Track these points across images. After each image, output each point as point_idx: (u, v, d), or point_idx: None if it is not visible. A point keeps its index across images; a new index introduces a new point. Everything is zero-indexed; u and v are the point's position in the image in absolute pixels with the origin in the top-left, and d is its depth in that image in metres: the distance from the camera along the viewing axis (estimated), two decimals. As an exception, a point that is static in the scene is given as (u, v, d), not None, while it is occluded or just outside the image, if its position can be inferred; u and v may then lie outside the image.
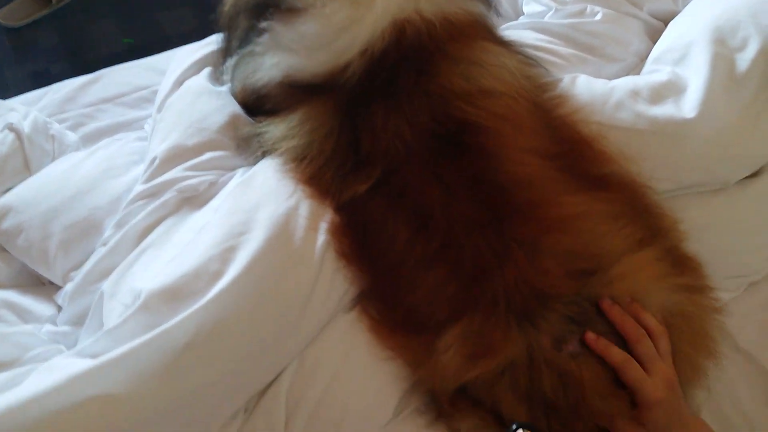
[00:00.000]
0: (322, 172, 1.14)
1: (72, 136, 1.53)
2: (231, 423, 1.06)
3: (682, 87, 1.28)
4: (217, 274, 1.02)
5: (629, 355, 1.03)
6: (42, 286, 1.35)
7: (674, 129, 1.24)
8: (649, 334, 1.05)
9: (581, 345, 1.03)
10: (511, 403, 1.03)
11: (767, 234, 1.34)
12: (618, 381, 1.03)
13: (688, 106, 1.25)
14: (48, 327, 1.22)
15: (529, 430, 0.90)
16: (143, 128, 1.57)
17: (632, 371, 1.01)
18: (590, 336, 1.01)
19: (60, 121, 1.59)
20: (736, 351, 1.30)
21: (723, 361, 1.26)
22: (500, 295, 1.03)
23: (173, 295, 1.01)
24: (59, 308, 1.28)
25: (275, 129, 1.20)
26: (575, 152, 1.18)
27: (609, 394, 1.02)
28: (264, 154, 1.22)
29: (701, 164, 1.26)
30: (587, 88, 1.30)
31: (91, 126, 1.60)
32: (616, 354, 1.02)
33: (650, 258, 1.09)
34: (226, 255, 1.05)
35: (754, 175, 1.34)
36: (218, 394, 1.00)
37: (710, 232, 1.29)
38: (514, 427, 0.90)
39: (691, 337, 1.11)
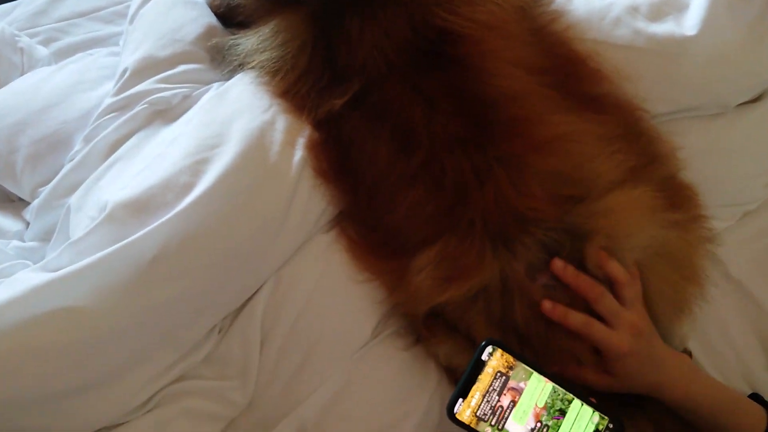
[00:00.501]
0: (298, 87, 1.07)
1: (43, 51, 1.46)
2: (204, 343, 1.03)
3: (684, 3, 1.20)
4: (188, 187, 0.97)
5: (588, 317, 0.98)
6: (11, 202, 1.31)
7: (674, 47, 1.16)
8: (616, 283, 0.99)
9: (556, 279, 0.99)
10: (484, 330, 1.00)
11: (765, 161, 1.29)
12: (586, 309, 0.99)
13: (689, 23, 1.17)
14: (15, 242, 1.18)
15: (499, 347, 0.87)
16: (118, 44, 1.49)
17: (595, 332, 0.97)
18: (546, 305, 0.96)
19: (31, 36, 1.51)
20: (727, 280, 1.26)
21: (713, 290, 1.25)
22: (478, 216, 0.98)
23: (140, 207, 0.96)
24: (27, 224, 1.23)
25: (247, 42, 1.13)
26: (567, 69, 1.11)
27: (575, 336, 0.98)
28: (239, 68, 1.16)
29: (701, 85, 1.19)
30: (584, 3, 1.22)
31: (64, 41, 1.52)
32: (574, 319, 0.96)
33: (642, 193, 1.03)
34: (197, 167, 1.00)
35: (754, 100, 1.28)
36: (187, 311, 0.97)
37: (707, 158, 1.24)
38: (484, 344, 0.86)
39: (680, 268, 1.07)
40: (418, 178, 1.01)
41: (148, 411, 1.00)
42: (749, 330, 1.24)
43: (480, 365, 0.86)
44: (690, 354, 1.20)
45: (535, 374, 0.86)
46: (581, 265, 0.99)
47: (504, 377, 0.86)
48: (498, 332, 0.99)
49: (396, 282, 1.03)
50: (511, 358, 0.86)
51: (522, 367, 0.86)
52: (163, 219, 0.93)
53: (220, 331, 1.05)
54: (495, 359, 0.86)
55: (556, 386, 0.86)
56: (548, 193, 0.99)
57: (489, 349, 0.87)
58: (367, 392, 1.02)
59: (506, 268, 0.97)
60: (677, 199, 1.09)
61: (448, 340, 1.03)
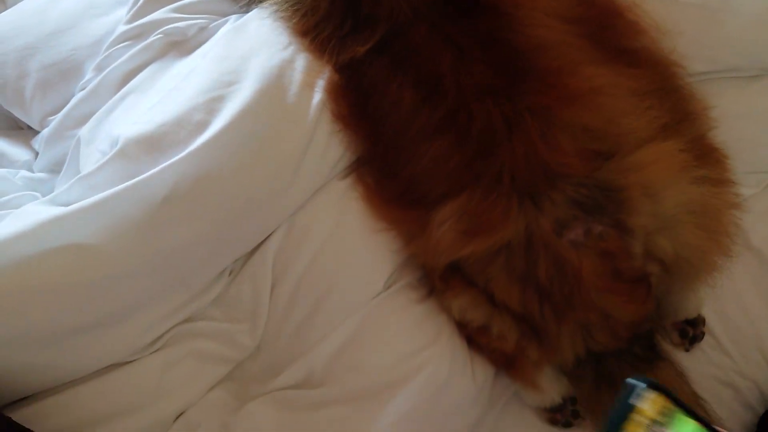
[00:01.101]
0: (318, 30, 1.03)
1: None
2: (215, 284, 1.02)
3: (733, -44, 1.14)
4: (202, 125, 0.93)
5: None
6: (19, 130, 1.27)
7: (718, 3, 1.11)
8: None
9: (585, 234, 0.96)
10: (504, 285, 0.98)
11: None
12: (617, 276, 0.97)
13: (737, -22, 1.11)
14: (23, 173, 1.15)
15: (656, 389, 0.66)
16: (131, -33, 1.42)
17: None
18: None
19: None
20: (747, 248, 1.23)
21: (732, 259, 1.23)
22: (506, 169, 0.94)
23: (153, 143, 0.93)
24: (36, 154, 1.20)
25: (267, -25, 1.07)
26: (604, 20, 1.05)
27: (606, 290, 0.96)
28: (257, 2, 1.10)
29: (743, 45, 1.14)
30: (625, -49, 1.15)
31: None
32: None
33: (672, 149, 0.99)
34: (212, 105, 0.96)
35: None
36: (200, 253, 0.95)
37: (739, 121, 1.19)
38: (635, 383, 0.66)
39: (708, 233, 1.03)
40: (443, 128, 0.97)
41: (156, 350, 0.99)
42: (766, 299, 1.22)
43: (627, 409, 0.66)
44: (703, 321, 1.19)
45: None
46: (619, 222, 0.96)
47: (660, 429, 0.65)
48: (518, 287, 0.97)
49: (415, 232, 1.01)
50: (669, 404, 0.66)
51: (683, 418, 0.66)
52: (176, 158, 0.90)
53: (230, 273, 1.03)
54: (648, 403, 0.66)
55: None
56: (578, 148, 0.95)
57: (642, 390, 0.66)
58: (377, 344, 1.01)
59: (532, 224, 0.94)
60: (707, 159, 1.05)
61: (463, 294, 1.01)
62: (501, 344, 1.02)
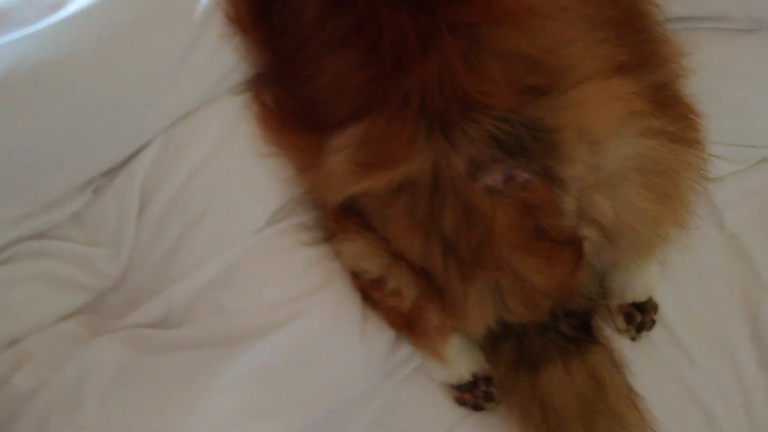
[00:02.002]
0: None
1: None
2: (71, 199, 0.89)
3: None
4: (56, 5, 0.80)
5: None
6: None
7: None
8: None
9: (505, 181, 0.81)
10: (404, 231, 0.84)
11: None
12: (539, 235, 0.82)
13: None
14: None
15: None
16: None
17: None
18: None
19: None
20: (720, 231, 1.08)
21: (699, 239, 1.06)
22: (414, 91, 0.80)
23: (-6, 17, 0.80)
24: None
25: None
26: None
27: (521, 248, 0.81)
28: None
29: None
30: None
31: None
32: None
33: (622, 89, 0.84)
34: (71, -18, 0.82)
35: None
36: (40, 156, 0.82)
37: (723, 81, 1.04)
38: None
39: (659, 196, 0.87)
40: (350, 40, 0.84)
41: (-5, 264, 0.87)
42: (735, 291, 1.06)
43: None
44: (655, 308, 1.03)
45: None
46: (548, 170, 0.81)
47: None
48: (420, 236, 0.84)
49: (309, 162, 0.86)
50: None
51: None
52: (15, 36, 0.76)
53: (96, 190, 0.90)
54: None
55: None
56: (507, 78, 0.81)
57: None
58: (249, 285, 0.87)
59: (441, 161, 0.80)
60: (669, 111, 0.89)
61: (358, 239, 0.87)
62: (396, 301, 0.87)
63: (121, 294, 0.91)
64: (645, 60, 0.89)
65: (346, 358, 0.87)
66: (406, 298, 0.87)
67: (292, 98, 0.88)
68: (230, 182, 0.89)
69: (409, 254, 0.85)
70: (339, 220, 0.88)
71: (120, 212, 0.88)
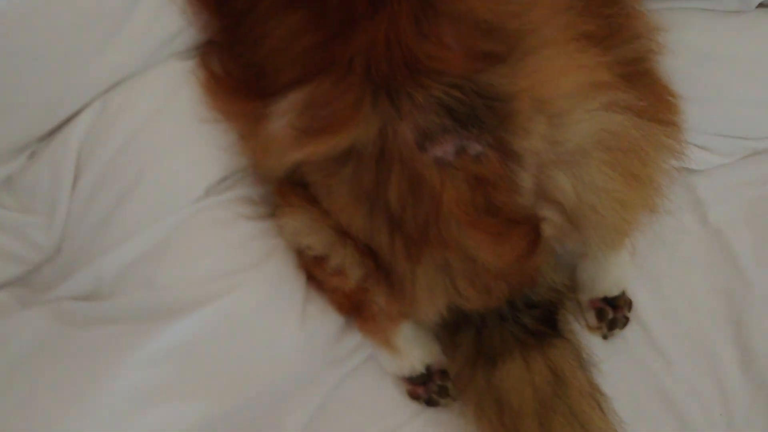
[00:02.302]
0: None
1: None
2: (6, 162, 0.84)
3: None
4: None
5: None
6: None
7: None
8: None
9: (457, 153, 0.75)
10: (348, 204, 0.78)
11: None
12: (489, 211, 0.76)
13: None
14: None
15: None
16: None
17: None
18: None
19: None
20: (702, 225, 1.02)
21: (680, 235, 0.99)
22: (360, 54, 0.74)
23: None
24: None
25: None
26: None
27: (469, 223, 0.75)
28: None
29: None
30: None
31: None
32: None
33: (586, 57, 0.78)
34: None
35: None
36: None
37: (708, 64, 0.98)
38: None
39: (626, 177, 0.81)
40: (298, 1, 0.78)
41: None
42: (717, 290, 0.99)
43: None
44: (629, 304, 0.96)
45: None
46: (503, 142, 0.75)
47: None
48: (364, 208, 0.78)
49: (250, 128, 0.81)
50: None
51: None
52: None
53: (32, 156, 0.86)
54: None
55: None
56: (461, 43, 0.75)
57: None
58: (183, 257, 0.81)
59: (388, 129, 0.74)
60: (641, 88, 0.82)
61: (301, 213, 0.81)
62: (339, 281, 0.81)
63: (56, 266, 0.86)
64: (613, 32, 0.83)
65: (283, 340, 0.81)
66: (349, 278, 0.81)
67: (239, 64, 0.84)
68: (168, 149, 0.83)
69: (354, 229, 0.79)
70: (283, 192, 0.83)
71: (54, 179, 0.83)
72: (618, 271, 0.93)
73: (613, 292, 0.94)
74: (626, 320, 0.96)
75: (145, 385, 0.72)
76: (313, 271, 0.83)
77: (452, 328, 0.92)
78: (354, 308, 0.85)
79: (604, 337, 0.96)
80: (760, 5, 1.00)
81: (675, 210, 1.02)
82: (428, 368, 0.90)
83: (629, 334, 0.97)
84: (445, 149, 0.75)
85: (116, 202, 0.82)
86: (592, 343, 0.95)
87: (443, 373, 0.91)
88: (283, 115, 0.78)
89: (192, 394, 0.73)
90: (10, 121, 0.82)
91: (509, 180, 0.77)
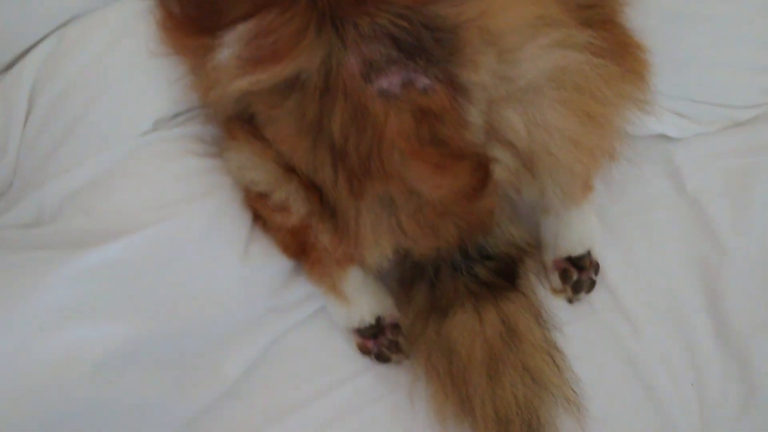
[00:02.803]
0: None
1: None
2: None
3: None
4: None
5: None
6: None
7: None
8: None
9: (404, 86, 0.73)
10: (291, 136, 0.77)
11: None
12: (433, 144, 0.74)
13: None
14: None
15: None
16: None
17: None
18: None
19: None
20: (679, 192, 0.98)
21: (655, 200, 0.96)
22: None
23: None
24: None
25: None
26: None
27: (411, 153, 0.73)
28: None
29: None
30: None
31: None
32: None
33: None
34: None
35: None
36: None
37: (683, 23, 0.95)
38: None
39: (580, 116, 0.77)
40: None
41: None
42: (692, 259, 0.95)
43: None
44: (596, 267, 0.92)
45: None
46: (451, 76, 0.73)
47: None
48: (308, 139, 0.76)
49: (198, 61, 0.81)
50: None
51: None
52: None
53: (-14, 95, 0.86)
54: None
55: None
56: None
57: None
58: (124, 187, 0.80)
59: (332, 59, 0.73)
60: (602, 33, 0.79)
61: (246, 147, 0.80)
62: (283, 218, 0.79)
63: (8, 200, 0.86)
64: None
65: (219, 272, 0.78)
66: (293, 214, 0.78)
67: (194, 3, 0.84)
68: (118, 81, 0.83)
69: (298, 163, 0.77)
70: (229, 128, 0.81)
71: (7, 112, 0.83)
72: (581, 228, 0.89)
73: (578, 250, 0.90)
74: (592, 283, 0.92)
75: (66, 303, 0.69)
76: (258, 207, 0.82)
77: (407, 283, 0.89)
78: (300, 250, 0.83)
79: (570, 301, 0.92)
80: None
81: (650, 177, 1.01)
82: (379, 320, 0.87)
83: (596, 298, 0.92)
84: (391, 81, 0.73)
85: (63, 134, 0.82)
86: (555, 306, 0.91)
87: (395, 328, 0.88)
88: (229, 46, 0.77)
89: (114, 314, 0.70)
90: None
91: (456, 114, 0.74)
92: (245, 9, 0.78)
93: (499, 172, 0.79)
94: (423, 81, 0.74)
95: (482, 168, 0.77)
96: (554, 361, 0.82)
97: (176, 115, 0.86)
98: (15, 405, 0.66)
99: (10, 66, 0.86)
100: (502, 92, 0.75)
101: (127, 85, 0.83)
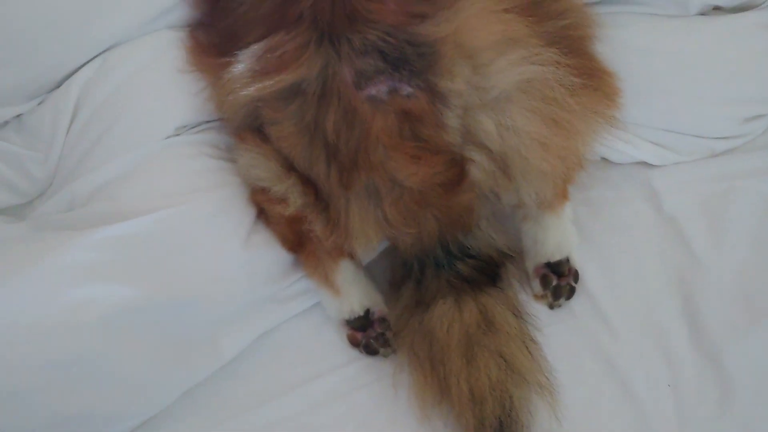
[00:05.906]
0: None
1: None
2: (10, 104, 0.99)
3: None
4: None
5: None
6: None
7: None
8: None
9: (390, 93, 0.84)
10: (291, 134, 0.87)
11: (738, 86, 1.05)
12: (413, 139, 0.84)
13: None
14: None
15: None
16: None
17: None
18: None
19: None
20: (658, 213, 1.04)
21: (635, 217, 1.02)
22: (309, 8, 0.87)
23: None
24: None
25: None
26: None
27: (392, 146, 0.83)
28: None
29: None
30: None
31: None
32: None
33: (510, 17, 0.87)
34: None
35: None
36: None
37: (651, 59, 1.04)
38: None
39: (546, 121, 0.87)
40: None
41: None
42: (668, 270, 1.00)
43: None
44: (575, 274, 0.97)
45: None
46: (431, 84, 0.84)
47: None
48: (306, 138, 0.87)
49: (217, 75, 0.94)
50: None
51: None
52: None
53: (42, 103, 1.01)
54: None
55: None
56: (397, 2, 0.87)
57: None
58: (146, 179, 0.92)
59: (329, 69, 0.85)
60: (569, 54, 0.90)
61: (254, 150, 0.91)
62: (282, 208, 0.89)
63: (48, 194, 0.99)
64: (543, 4, 0.93)
65: (223, 254, 0.87)
66: (290, 205, 0.88)
67: (218, 32, 0.98)
68: (147, 93, 0.97)
69: (296, 159, 0.88)
70: (240, 136, 0.93)
71: (54, 120, 0.97)
72: (559, 235, 0.96)
73: (556, 256, 0.96)
74: (572, 290, 0.97)
75: (81, 264, 0.79)
76: (261, 200, 0.92)
77: (396, 284, 0.97)
78: (297, 242, 0.92)
79: (551, 307, 0.97)
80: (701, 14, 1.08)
81: (631, 199, 1.07)
82: (368, 313, 0.94)
83: (575, 304, 0.97)
84: (378, 88, 0.85)
85: (98, 137, 0.95)
86: (536, 309, 0.97)
87: (383, 321, 0.94)
88: (243, 62, 0.90)
89: (124, 279, 0.79)
90: (26, 71, 0.98)
91: (435, 117, 0.85)
92: (259, 32, 0.92)
93: (475, 173, 0.88)
94: (406, 89, 0.85)
95: (457, 164, 0.86)
96: (528, 350, 0.87)
97: (196, 125, 0.99)
98: (33, 343, 0.74)
99: (59, 84, 1.00)
100: (476, 100, 0.86)
101: (154, 96, 0.97)
